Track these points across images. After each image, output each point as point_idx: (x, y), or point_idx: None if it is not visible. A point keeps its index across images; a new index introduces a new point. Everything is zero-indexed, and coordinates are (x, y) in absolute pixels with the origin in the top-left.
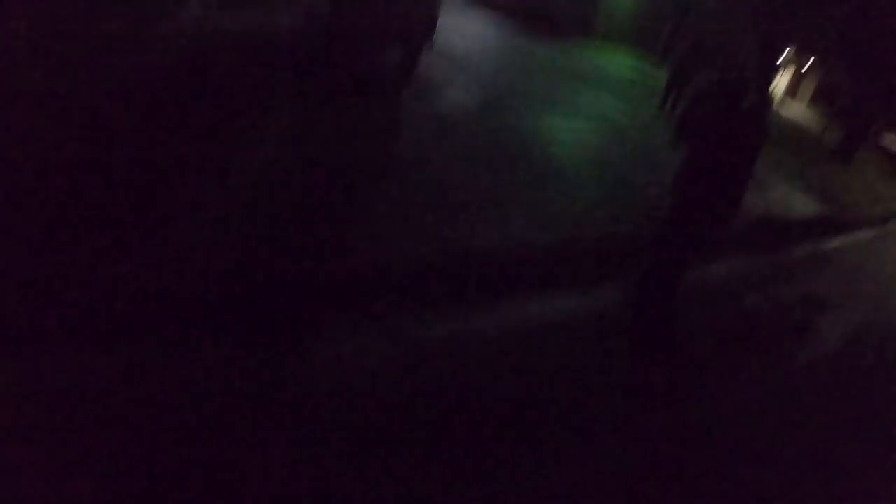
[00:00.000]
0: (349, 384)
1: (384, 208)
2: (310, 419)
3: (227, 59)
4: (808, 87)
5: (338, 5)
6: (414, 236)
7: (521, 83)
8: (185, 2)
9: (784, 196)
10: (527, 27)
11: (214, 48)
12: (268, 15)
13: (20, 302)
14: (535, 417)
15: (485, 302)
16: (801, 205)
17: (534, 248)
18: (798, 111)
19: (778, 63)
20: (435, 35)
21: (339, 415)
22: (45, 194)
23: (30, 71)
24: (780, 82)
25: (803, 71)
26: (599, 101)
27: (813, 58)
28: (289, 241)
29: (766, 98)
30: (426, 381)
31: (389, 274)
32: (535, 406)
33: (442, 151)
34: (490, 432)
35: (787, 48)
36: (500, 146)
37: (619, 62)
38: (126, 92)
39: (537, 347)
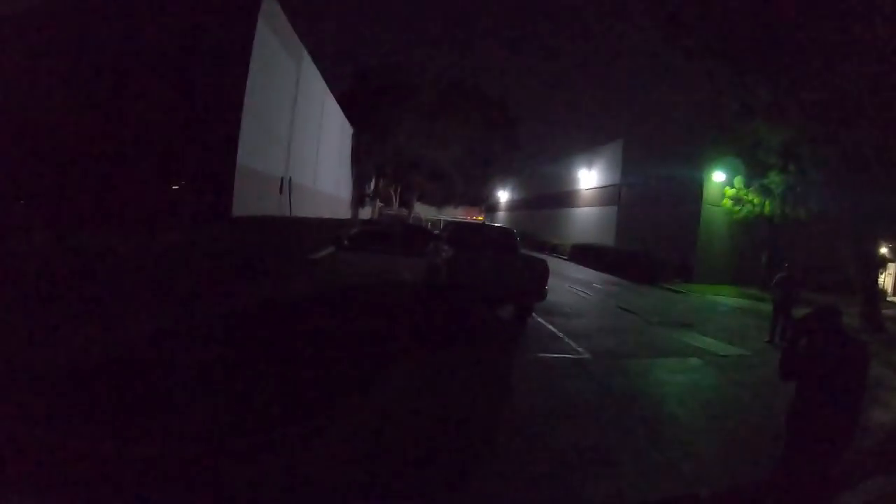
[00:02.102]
0: None
1: (496, 460)
2: None
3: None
4: None
5: (456, 265)
6: (527, 491)
7: (630, 331)
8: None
9: None
10: (630, 276)
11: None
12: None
13: None
14: None
15: None
16: None
17: None
18: None
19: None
20: (546, 292)
21: None
22: None
23: None
24: (886, 282)
25: None
26: (706, 339)
27: None
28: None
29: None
30: None
31: None
32: None
33: (552, 403)
34: None
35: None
36: (610, 396)
37: (720, 299)
38: None
39: None
